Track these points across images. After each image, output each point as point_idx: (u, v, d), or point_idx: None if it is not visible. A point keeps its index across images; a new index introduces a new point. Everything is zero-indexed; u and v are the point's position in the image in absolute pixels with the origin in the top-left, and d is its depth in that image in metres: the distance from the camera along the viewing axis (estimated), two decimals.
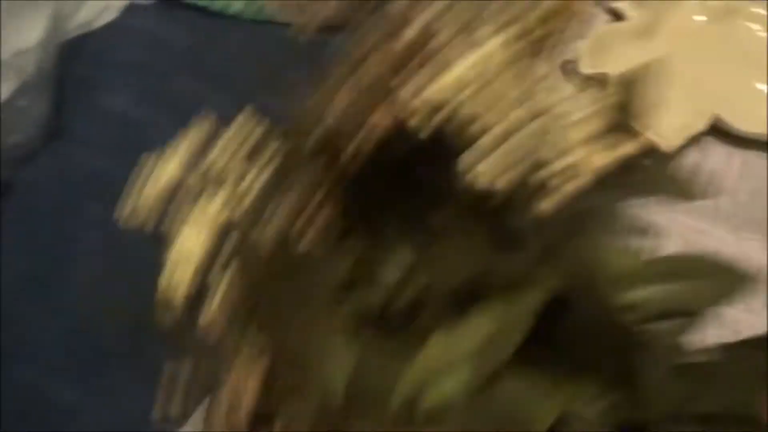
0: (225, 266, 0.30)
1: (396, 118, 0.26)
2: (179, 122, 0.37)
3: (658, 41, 0.53)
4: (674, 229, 0.44)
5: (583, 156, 0.24)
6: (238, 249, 0.23)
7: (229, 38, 0.54)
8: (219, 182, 0.31)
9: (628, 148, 0.25)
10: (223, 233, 0.30)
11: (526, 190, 0.25)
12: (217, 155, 0.32)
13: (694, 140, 0.47)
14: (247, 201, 0.31)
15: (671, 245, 0.43)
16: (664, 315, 0.29)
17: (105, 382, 0.39)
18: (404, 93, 0.25)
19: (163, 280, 0.29)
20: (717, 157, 0.47)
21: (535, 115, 0.24)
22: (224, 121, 0.34)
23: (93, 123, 0.49)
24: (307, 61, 0.33)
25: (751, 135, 0.47)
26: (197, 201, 0.31)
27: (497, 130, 0.23)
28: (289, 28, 0.46)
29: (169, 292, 0.28)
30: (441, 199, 0.29)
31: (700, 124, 0.47)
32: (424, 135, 0.25)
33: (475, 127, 0.24)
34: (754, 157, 0.47)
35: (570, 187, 0.24)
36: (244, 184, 0.31)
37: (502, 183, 0.23)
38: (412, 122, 0.25)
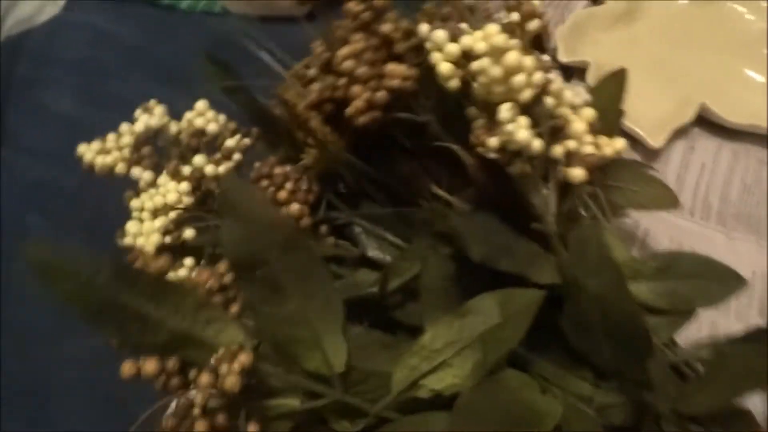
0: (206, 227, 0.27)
1: (416, 69, 0.24)
2: (126, 121, 0.34)
3: (639, 26, 0.50)
4: (661, 228, 0.41)
5: (591, 143, 0.23)
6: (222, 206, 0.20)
7: (180, 32, 0.50)
8: (200, 138, 0.29)
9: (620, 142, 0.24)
10: (204, 189, 0.28)
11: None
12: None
13: (681, 132, 0.46)
14: (234, 159, 0.29)
15: (658, 246, 0.41)
16: (657, 311, 0.28)
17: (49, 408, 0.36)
18: (436, 38, 0.22)
19: (133, 227, 0.26)
20: (706, 151, 0.45)
21: (544, 90, 0.22)
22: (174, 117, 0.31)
23: (37, 127, 0.45)
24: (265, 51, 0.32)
25: (741, 126, 0.44)
26: (178, 153, 0.28)
27: (525, 94, 0.21)
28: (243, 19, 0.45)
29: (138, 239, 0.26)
30: (451, 171, 0.27)
31: (687, 116, 0.45)
32: (453, 85, 0.23)
33: (497, 91, 0.21)
34: (745, 150, 0.44)
35: (596, 159, 0.22)
36: (230, 142, 0.29)
37: (536, 145, 0.21)
38: (442, 69, 0.22)
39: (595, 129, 0.24)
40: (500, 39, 0.20)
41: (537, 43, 0.25)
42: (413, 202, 0.29)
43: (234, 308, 0.21)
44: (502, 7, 0.23)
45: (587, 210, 0.30)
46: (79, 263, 0.18)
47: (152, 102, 0.28)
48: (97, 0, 0.52)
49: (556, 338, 0.26)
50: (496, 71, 0.21)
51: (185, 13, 0.52)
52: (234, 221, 0.19)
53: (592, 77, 0.46)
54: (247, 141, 0.29)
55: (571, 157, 0.23)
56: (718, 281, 0.28)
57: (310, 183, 0.28)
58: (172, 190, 0.26)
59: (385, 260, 0.29)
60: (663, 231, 0.42)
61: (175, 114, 0.42)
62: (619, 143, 0.24)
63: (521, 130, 0.21)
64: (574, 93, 0.29)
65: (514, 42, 0.21)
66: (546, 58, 0.24)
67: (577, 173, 0.22)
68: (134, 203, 0.27)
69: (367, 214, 0.29)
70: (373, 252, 0.29)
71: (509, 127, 0.21)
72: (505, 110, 0.21)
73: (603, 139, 0.24)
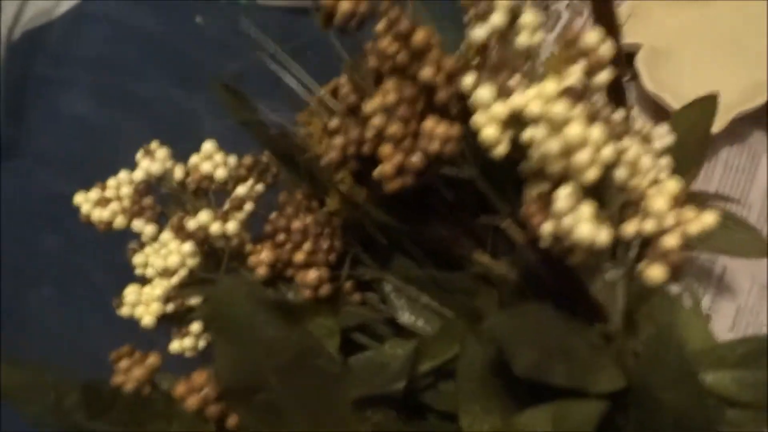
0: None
1: (459, 129, 0.20)
2: (149, 127, 0.31)
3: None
4: (742, 265, 0.36)
5: (675, 221, 0.18)
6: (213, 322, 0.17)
7: (208, 23, 0.46)
8: (205, 190, 0.25)
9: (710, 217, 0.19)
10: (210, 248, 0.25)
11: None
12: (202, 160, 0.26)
13: (753, 119, 0.38)
14: (245, 210, 0.25)
15: (738, 288, 0.36)
16: (742, 404, 0.23)
17: None
18: (480, 98, 0.18)
19: (131, 293, 0.23)
20: None
21: (614, 163, 0.17)
22: (199, 123, 0.28)
23: (52, 134, 0.42)
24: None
25: None
26: (183, 202, 0.25)
27: (588, 174, 0.17)
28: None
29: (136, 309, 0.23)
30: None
31: (757, 100, 0.37)
32: (499, 152, 0.19)
33: (555, 167, 0.17)
34: None
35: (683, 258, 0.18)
36: (241, 190, 0.26)
37: (602, 238, 0.17)
38: (486, 135, 0.18)
39: (680, 201, 0.19)
40: (559, 108, 0.16)
41: (613, 94, 0.20)
42: (454, 260, 0.25)
43: (233, 420, 0.18)
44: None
45: None
46: (45, 384, 0.16)
47: (154, 144, 0.24)
48: None
49: None
50: (553, 145, 0.16)
51: (212, 1, 0.48)
52: (227, 341, 0.16)
53: (643, 62, 0.40)
54: (260, 188, 0.25)
55: (648, 247, 0.18)
56: None
57: (332, 239, 0.24)
58: (174, 252, 0.22)
59: (417, 326, 0.25)
60: (744, 268, 0.36)
61: (194, 117, 0.38)
62: (710, 218, 0.19)
63: (583, 224, 0.16)
64: (655, 134, 0.24)
65: (577, 110, 0.16)
66: (622, 114, 0.19)
67: (656, 274, 0.18)
68: (138, 259, 0.24)
69: (400, 273, 0.25)
70: (405, 317, 0.25)
71: (567, 219, 0.16)
72: (562, 198, 0.16)
73: (688, 213, 0.19)
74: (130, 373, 0.18)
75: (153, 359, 0.18)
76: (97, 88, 0.44)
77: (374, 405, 0.23)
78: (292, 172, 0.27)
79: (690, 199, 0.31)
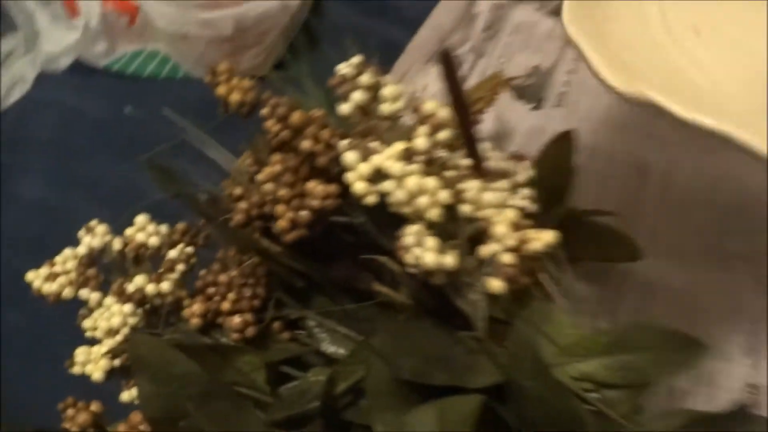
0: None
1: (337, 187, 0.24)
2: (100, 203, 0.34)
3: None
4: (633, 266, 0.41)
5: (518, 242, 0.23)
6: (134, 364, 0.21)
7: (144, 101, 0.51)
8: (141, 257, 0.29)
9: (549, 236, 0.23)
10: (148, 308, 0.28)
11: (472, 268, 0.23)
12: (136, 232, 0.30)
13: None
14: (177, 270, 0.29)
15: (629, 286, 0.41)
16: (613, 386, 0.28)
17: None
18: (347, 160, 0.23)
19: (81, 354, 0.27)
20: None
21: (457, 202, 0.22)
22: (145, 194, 0.32)
23: (11, 216, 0.46)
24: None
25: None
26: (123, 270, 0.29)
27: (431, 213, 0.22)
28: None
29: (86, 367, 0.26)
30: (379, 281, 0.27)
31: None
32: (370, 202, 0.23)
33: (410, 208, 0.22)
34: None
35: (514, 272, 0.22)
36: (172, 254, 0.30)
37: (449, 262, 0.21)
38: (356, 189, 0.23)
39: (522, 225, 0.24)
40: (396, 167, 0.20)
41: (465, 145, 0.25)
42: (364, 293, 0.29)
43: None
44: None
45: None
46: None
47: (93, 222, 0.28)
48: (64, 75, 0.53)
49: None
50: (399, 194, 0.21)
51: (149, 81, 0.52)
52: (146, 379, 0.20)
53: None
54: (190, 250, 0.29)
55: (492, 265, 0.23)
56: (677, 350, 0.28)
57: (255, 288, 0.28)
58: (116, 313, 0.26)
59: (339, 354, 0.29)
60: (637, 269, 0.41)
61: (140, 189, 0.42)
62: (548, 236, 0.24)
63: (428, 254, 0.21)
64: (518, 169, 0.29)
65: (414, 166, 0.21)
66: (467, 162, 0.24)
67: (495, 285, 0.22)
68: (87, 323, 0.27)
69: (317, 310, 0.29)
70: (327, 346, 0.29)
71: (416, 251, 0.21)
72: (409, 235, 0.21)
73: (531, 233, 0.24)
74: (75, 419, 0.22)
75: (95, 406, 0.22)
76: (48, 170, 0.48)
77: (302, 425, 0.27)
78: (220, 232, 0.31)
79: (571, 216, 0.35)
